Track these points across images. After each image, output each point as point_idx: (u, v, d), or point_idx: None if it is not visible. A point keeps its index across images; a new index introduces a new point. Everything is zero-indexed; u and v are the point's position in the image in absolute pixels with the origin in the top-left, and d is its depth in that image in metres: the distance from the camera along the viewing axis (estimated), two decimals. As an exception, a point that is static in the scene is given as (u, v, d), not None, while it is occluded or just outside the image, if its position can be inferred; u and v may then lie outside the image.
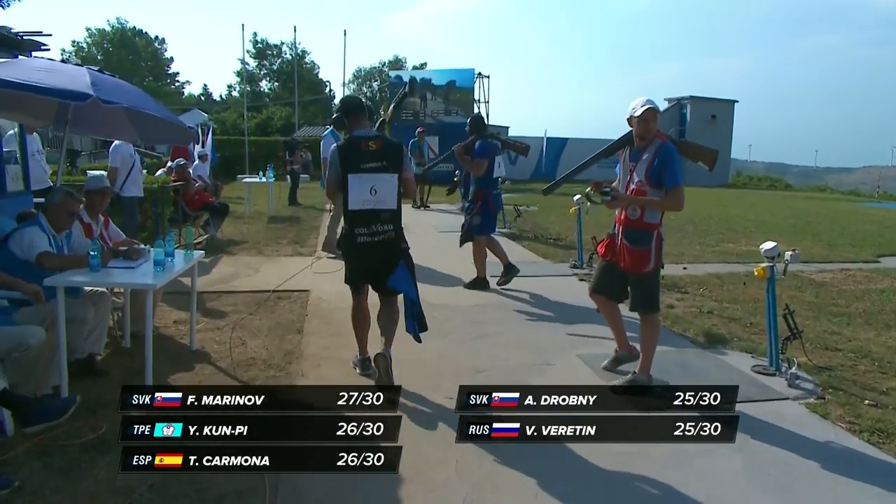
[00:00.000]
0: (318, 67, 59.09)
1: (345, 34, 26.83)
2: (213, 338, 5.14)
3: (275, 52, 54.98)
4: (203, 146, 15.82)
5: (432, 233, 11.25)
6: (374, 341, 4.34)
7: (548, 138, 30.19)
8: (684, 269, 8.56)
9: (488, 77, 27.87)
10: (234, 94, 53.83)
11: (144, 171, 10.80)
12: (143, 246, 4.54)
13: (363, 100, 4.59)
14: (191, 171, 10.16)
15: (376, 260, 4.13)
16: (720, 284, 7.61)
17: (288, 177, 15.96)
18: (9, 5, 23.62)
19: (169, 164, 11.17)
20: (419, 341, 4.27)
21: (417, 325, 4.17)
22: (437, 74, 25.90)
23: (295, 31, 29.24)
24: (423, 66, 38.13)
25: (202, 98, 60.20)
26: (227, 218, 11.99)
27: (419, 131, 15.49)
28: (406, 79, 26.25)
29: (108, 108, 4.12)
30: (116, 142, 7.28)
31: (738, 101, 33.66)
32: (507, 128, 31.37)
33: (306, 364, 4.56)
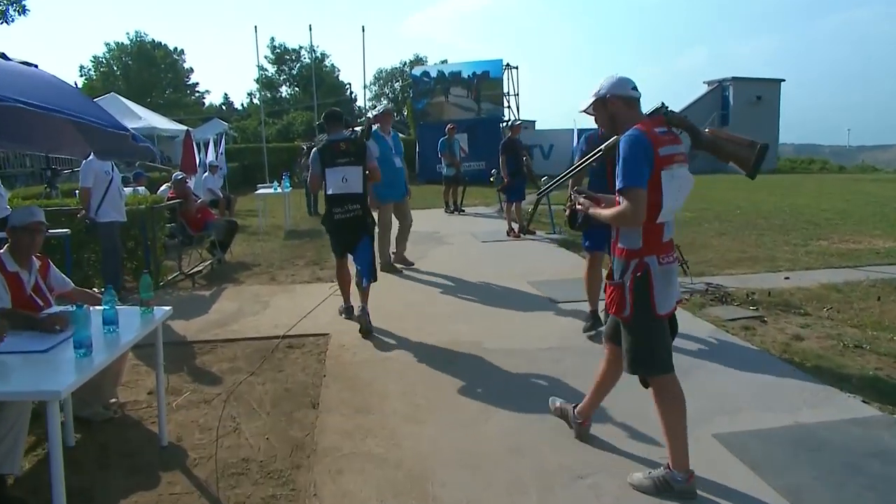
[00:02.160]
0: (339, 70, 57.97)
1: (363, 30, 25.50)
2: (197, 419, 3.75)
3: (294, 57, 53.89)
4: (216, 157, 14.66)
5: (473, 243, 9.77)
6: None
7: (579, 130, 28.51)
8: (786, 278, 6.97)
9: (517, 68, 26.34)
10: (255, 101, 52.93)
11: (140, 188, 9.55)
12: (78, 308, 3.12)
13: (339, 110, 5.67)
14: (191, 186, 8.83)
15: (348, 231, 5.43)
16: (846, 300, 6.01)
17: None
18: (13, 20, 22.76)
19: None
20: (366, 285, 5.40)
21: (370, 278, 5.45)
22: (465, 67, 24.37)
23: (310, 30, 27.78)
24: (443, 63, 36.68)
25: (223, 107, 59.51)
26: (240, 235, 10.71)
27: (449, 128, 14.02)
28: (432, 74, 24.82)
29: (38, 114, 2.75)
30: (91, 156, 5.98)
31: (784, 80, 31.49)
32: (534, 122, 29.67)
33: (320, 469, 3.12)
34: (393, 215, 7.92)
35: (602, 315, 4.89)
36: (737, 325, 5.34)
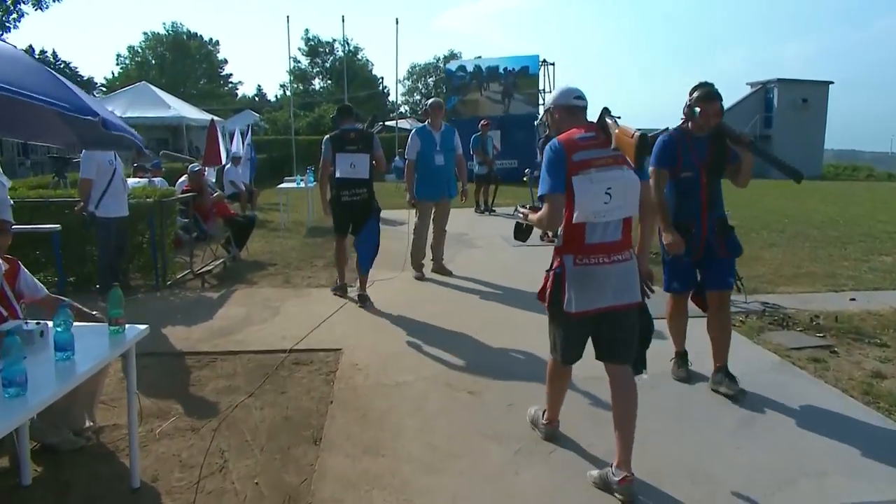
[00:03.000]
0: (372, 64, 57.62)
1: (396, 22, 24.91)
2: (181, 452, 3.23)
3: (327, 50, 53.73)
4: (242, 148, 14.27)
5: (504, 247, 9.18)
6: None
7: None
8: (852, 300, 6.24)
9: (553, 65, 25.60)
10: (288, 93, 52.90)
11: (157, 179, 9.13)
12: (36, 324, 2.61)
13: (350, 105, 6.63)
14: (212, 179, 8.39)
15: (356, 213, 5.91)
16: (927, 329, 5.29)
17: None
18: (48, 7, 22.73)
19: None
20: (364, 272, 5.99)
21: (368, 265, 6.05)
22: (501, 62, 23.71)
23: (343, 21, 27.49)
24: (479, 58, 35.81)
25: (256, 99, 59.64)
26: (260, 231, 10.31)
27: (483, 124, 13.41)
28: (469, 68, 24.18)
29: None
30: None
31: (832, 83, 30.20)
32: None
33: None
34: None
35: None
36: (803, 355, 4.67)
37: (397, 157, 21.85)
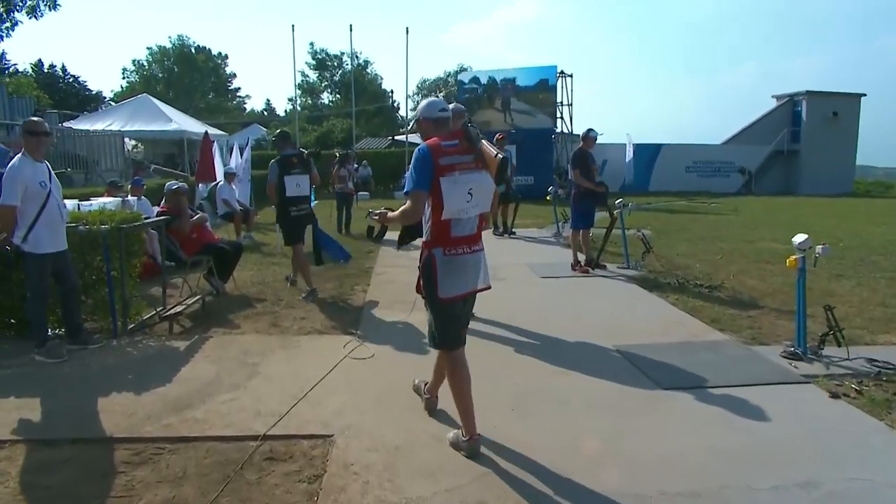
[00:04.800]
0: (381, 78, 56.76)
1: (406, 32, 23.94)
2: None
3: (335, 64, 52.91)
4: (238, 164, 13.17)
5: (531, 278, 7.95)
6: None
7: (636, 145, 26.20)
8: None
9: (571, 76, 24.53)
10: (297, 107, 52.19)
11: (132, 199, 7.99)
12: None
13: (288, 131, 7.81)
14: (186, 198, 7.23)
15: (302, 224, 6.98)
16: None
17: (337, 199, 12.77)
18: (42, 15, 21.80)
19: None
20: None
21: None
22: (517, 73, 22.62)
23: (351, 30, 26.35)
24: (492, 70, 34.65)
25: (265, 113, 58.92)
26: (253, 256, 9.19)
27: (498, 138, 12.25)
28: (482, 80, 23.08)
29: None
30: (13, 159, 4.39)
31: (865, 95, 28.85)
32: (571, 133, 27.63)
33: None
34: None
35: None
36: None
37: (407, 175, 20.66)
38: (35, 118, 4.73)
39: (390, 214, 3.36)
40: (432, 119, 3.33)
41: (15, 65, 39.36)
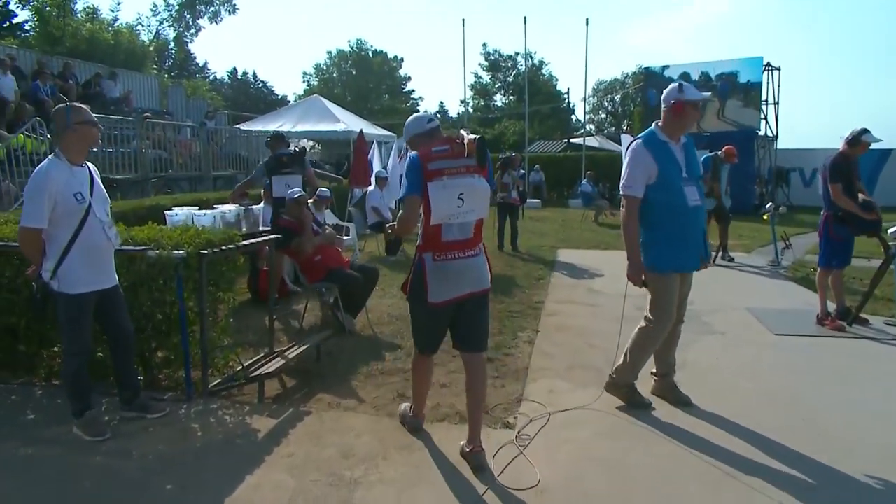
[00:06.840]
0: (556, 80, 54.45)
1: (587, 23, 21.66)
2: None
3: (509, 65, 51.54)
4: (393, 166, 11.98)
5: (760, 334, 5.62)
6: None
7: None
8: None
9: (779, 69, 20.88)
10: (468, 109, 51.67)
11: (255, 207, 6.85)
12: None
13: (282, 133, 7.75)
14: (312, 208, 5.89)
15: None
16: None
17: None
18: (222, 20, 22.53)
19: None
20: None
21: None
22: (715, 67, 19.64)
23: (525, 22, 24.66)
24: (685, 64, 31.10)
25: (438, 115, 59.26)
26: (402, 275, 7.39)
27: (727, 150, 9.78)
28: (674, 74, 20.32)
29: None
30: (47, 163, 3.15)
31: None
32: (776, 137, 23.38)
33: None
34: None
35: None
36: None
37: (585, 181, 18.49)
38: (76, 104, 3.45)
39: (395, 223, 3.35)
40: (423, 133, 3.26)
41: (214, 73, 42.62)
